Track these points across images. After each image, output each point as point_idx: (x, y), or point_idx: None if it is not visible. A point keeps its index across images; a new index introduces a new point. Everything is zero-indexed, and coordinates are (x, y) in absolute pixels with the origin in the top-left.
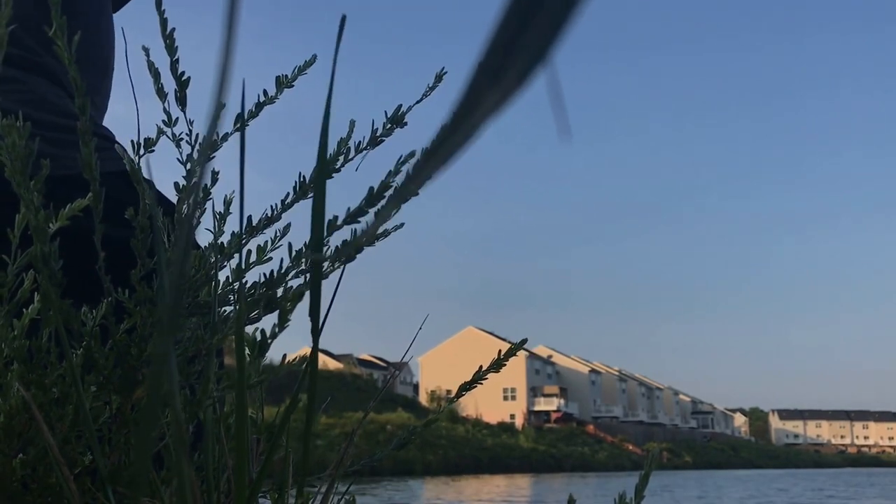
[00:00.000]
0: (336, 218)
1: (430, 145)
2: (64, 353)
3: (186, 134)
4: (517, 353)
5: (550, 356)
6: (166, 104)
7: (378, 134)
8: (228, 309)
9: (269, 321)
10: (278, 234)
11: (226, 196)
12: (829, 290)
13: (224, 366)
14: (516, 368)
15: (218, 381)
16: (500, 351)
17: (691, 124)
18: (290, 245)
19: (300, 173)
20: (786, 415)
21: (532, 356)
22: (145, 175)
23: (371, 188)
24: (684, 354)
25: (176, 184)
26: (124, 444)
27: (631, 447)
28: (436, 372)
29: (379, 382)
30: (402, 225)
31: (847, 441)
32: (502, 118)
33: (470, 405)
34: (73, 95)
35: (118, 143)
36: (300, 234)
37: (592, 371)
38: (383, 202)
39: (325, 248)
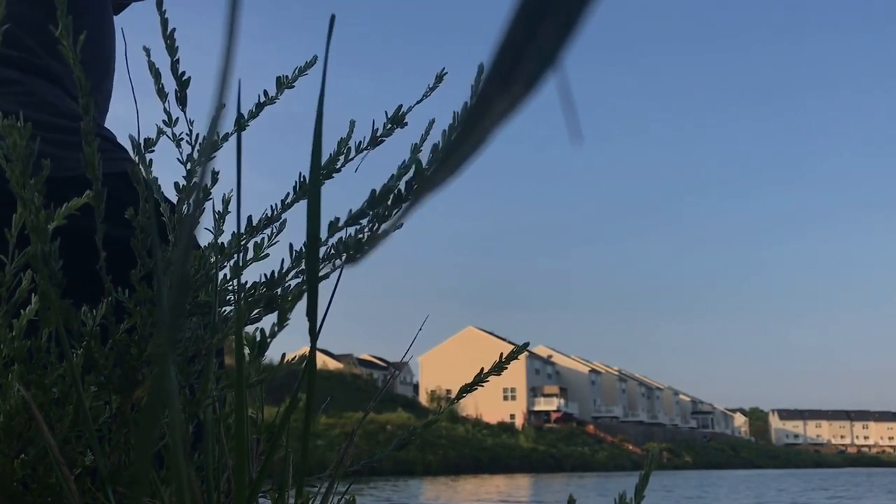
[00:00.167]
0: (337, 219)
1: (441, 153)
2: (64, 353)
3: (186, 134)
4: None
5: (550, 356)
6: (167, 104)
7: (378, 134)
8: (228, 309)
9: (269, 321)
10: (275, 231)
11: (224, 195)
12: (829, 290)
13: (224, 365)
14: (516, 368)
15: (217, 380)
16: (501, 354)
17: (691, 124)
18: (290, 245)
19: (300, 173)
20: (786, 415)
21: (532, 356)
22: (146, 176)
23: (373, 191)
24: (684, 354)
25: (176, 184)
26: (124, 444)
27: (631, 447)
28: (436, 372)
29: (379, 382)
30: (401, 225)
31: (847, 441)
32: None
33: (470, 405)
34: (73, 96)
35: (126, 142)
36: (301, 235)
37: (592, 371)
38: (386, 205)
39: (325, 249)
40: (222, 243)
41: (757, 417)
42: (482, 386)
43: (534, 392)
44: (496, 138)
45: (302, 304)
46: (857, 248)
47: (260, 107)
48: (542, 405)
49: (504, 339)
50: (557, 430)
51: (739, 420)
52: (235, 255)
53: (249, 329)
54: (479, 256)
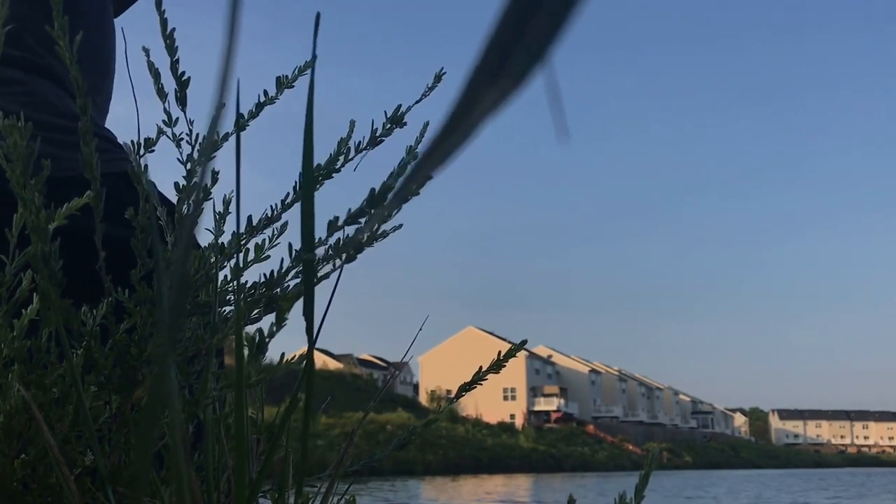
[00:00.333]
0: (337, 219)
1: (429, 145)
2: (64, 353)
3: (186, 134)
4: (517, 354)
5: (550, 356)
6: (166, 104)
7: (378, 134)
8: (228, 309)
9: (269, 321)
10: (276, 232)
11: (225, 195)
12: (829, 290)
13: (224, 366)
14: (516, 368)
15: (217, 380)
16: (499, 352)
17: (691, 124)
18: (290, 245)
19: (300, 173)
20: (786, 415)
21: (532, 356)
22: (146, 176)
23: (372, 189)
24: (684, 354)
25: (176, 184)
26: (124, 444)
27: (631, 447)
28: (436, 372)
29: (379, 382)
30: (400, 226)
31: (847, 441)
32: (501, 117)
33: (470, 405)
34: (74, 96)
35: (126, 144)
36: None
37: (592, 371)
38: (384, 202)
39: (325, 249)
40: (222, 243)
41: (757, 417)
42: (481, 384)
43: (534, 392)
44: (483, 132)
45: (301, 304)
46: (857, 248)
47: (260, 107)
48: (542, 405)
49: (504, 339)
50: (557, 430)
51: (739, 420)
52: (235, 256)
53: (249, 329)
54: (479, 256)
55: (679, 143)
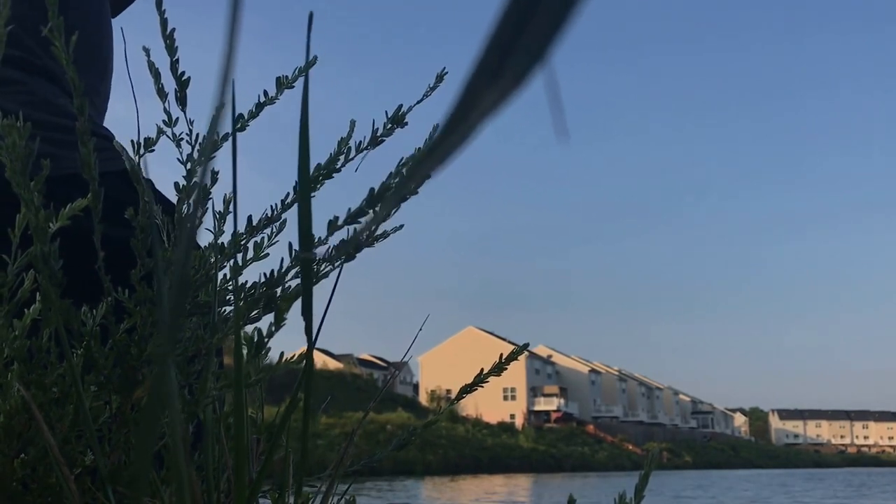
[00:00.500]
0: (336, 218)
1: (428, 144)
2: (64, 353)
3: (186, 134)
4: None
5: (550, 356)
6: (166, 104)
7: (378, 134)
8: (228, 309)
9: (268, 320)
10: (275, 231)
11: (225, 195)
12: (829, 290)
13: (223, 365)
14: (516, 368)
15: (217, 380)
16: (500, 355)
17: (691, 124)
18: (290, 244)
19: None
20: (786, 415)
21: (532, 356)
22: (144, 175)
23: (372, 189)
24: (684, 354)
25: (176, 184)
26: (124, 444)
27: (631, 447)
28: (436, 372)
29: (379, 382)
30: (401, 226)
31: (847, 441)
32: (502, 118)
33: (470, 405)
34: (72, 95)
35: (116, 141)
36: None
37: (592, 371)
38: (384, 201)
39: (325, 249)
40: (222, 243)
41: (757, 417)
42: (482, 387)
43: (534, 392)
44: (482, 132)
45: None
46: (857, 248)
47: (260, 107)
48: (542, 405)
49: (504, 339)
50: (557, 430)
51: (739, 420)
52: (235, 255)
53: (249, 329)
54: (479, 256)
55: (679, 143)
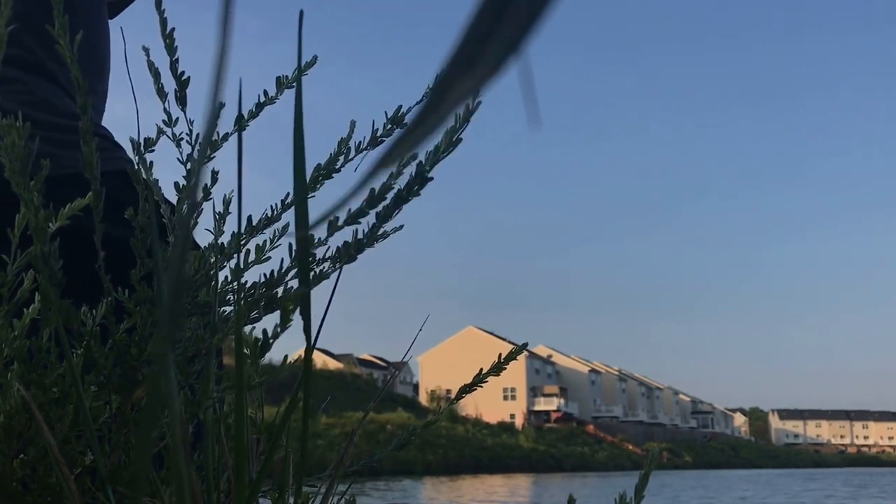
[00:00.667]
0: (337, 219)
1: (404, 129)
2: (64, 353)
3: (186, 134)
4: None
5: (550, 356)
6: (166, 104)
7: (378, 134)
8: (228, 309)
9: (269, 321)
10: (277, 233)
11: (225, 195)
12: (829, 290)
13: (223, 366)
14: (516, 368)
15: (218, 381)
16: (500, 355)
17: (691, 124)
18: (290, 245)
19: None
20: (786, 415)
21: (532, 356)
22: (146, 175)
23: (372, 189)
24: (684, 354)
25: (176, 184)
26: (124, 444)
27: (631, 447)
28: (436, 372)
29: (379, 382)
30: (401, 227)
31: (847, 441)
32: (501, 118)
33: (470, 405)
34: (72, 95)
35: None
36: None
37: (592, 371)
38: (385, 203)
39: (325, 249)
40: (222, 244)
41: (757, 417)
42: (481, 386)
43: (534, 392)
44: (455, 117)
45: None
46: (857, 248)
47: (260, 107)
48: (542, 405)
49: (504, 339)
50: (557, 430)
51: (739, 420)
52: (235, 256)
53: (249, 330)
54: (479, 256)
55: (679, 143)
